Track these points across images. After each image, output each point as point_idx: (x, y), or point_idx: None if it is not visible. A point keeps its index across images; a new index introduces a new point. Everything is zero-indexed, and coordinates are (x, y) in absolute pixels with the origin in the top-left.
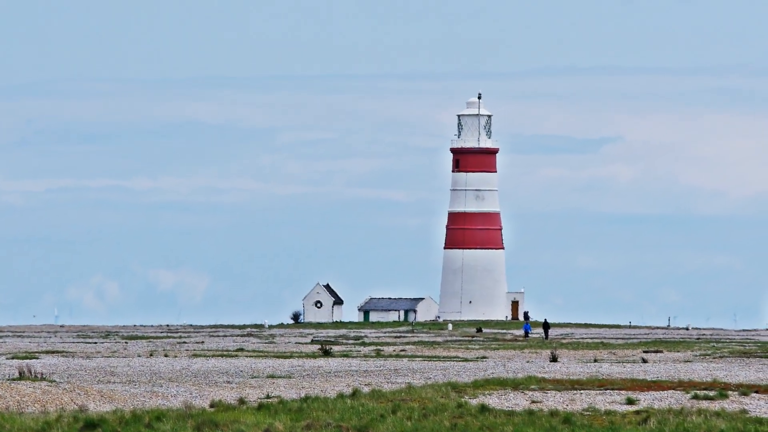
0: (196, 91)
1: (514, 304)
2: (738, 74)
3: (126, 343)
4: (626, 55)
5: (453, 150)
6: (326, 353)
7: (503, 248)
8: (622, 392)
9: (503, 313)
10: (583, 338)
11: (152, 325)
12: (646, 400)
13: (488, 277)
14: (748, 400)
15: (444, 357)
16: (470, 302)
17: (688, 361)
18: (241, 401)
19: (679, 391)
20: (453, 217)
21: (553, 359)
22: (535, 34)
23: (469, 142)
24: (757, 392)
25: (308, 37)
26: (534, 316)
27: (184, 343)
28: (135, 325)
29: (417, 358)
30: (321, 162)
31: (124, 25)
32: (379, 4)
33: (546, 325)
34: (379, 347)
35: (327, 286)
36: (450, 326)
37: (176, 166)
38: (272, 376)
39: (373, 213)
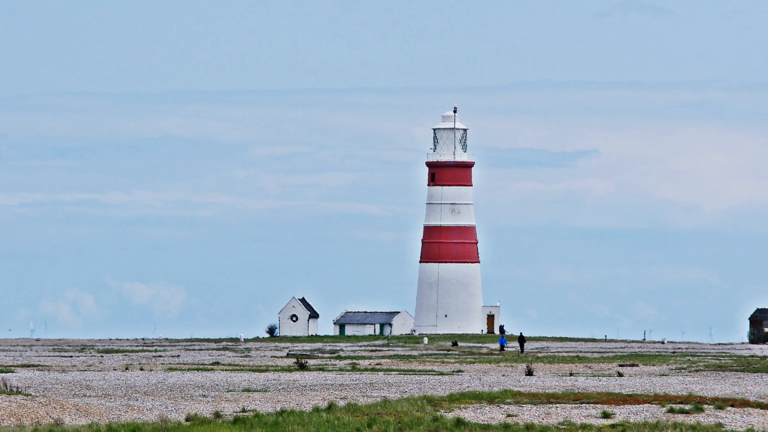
0: (170, 105)
1: (490, 318)
2: (712, 88)
3: (101, 356)
4: (601, 69)
5: (429, 164)
6: (302, 367)
7: (479, 262)
8: (598, 406)
9: (479, 327)
10: (558, 352)
11: (128, 339)
12: (621, 413)
13: (464, 291)
14: (723, 414)
15: (420, 371)
16: (446, 316)
17: (663, 375)
18: (217, 415)
19: (654, 405)
20: (429, 230)
21: (529, 373)
22: (510, 49)
23: (444, 155)
24: (732, 406)
25: (282, 51)
26: (510, 330)
27: (160, 356)
28: (110, 339)
29: (393, 372)
30: (295, 176)
31: (98, 39)
32: (354, 18)
33: (522, 339)
34: (354, 361)
35: (302, 300)
36: (426, 340)
37: (150, 180)
38: (248, 390)
39: (348, 227)
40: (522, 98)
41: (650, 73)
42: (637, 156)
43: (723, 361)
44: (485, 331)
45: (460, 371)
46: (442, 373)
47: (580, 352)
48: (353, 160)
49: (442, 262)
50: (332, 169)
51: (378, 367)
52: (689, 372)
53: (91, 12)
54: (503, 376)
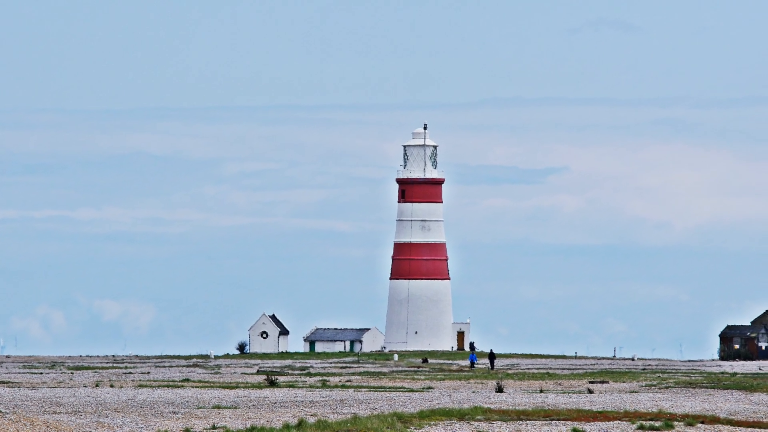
0: (140, 122)
1: (460, 335)
2: (683, 105)
3: (72, 373)
4: (572, 86)
5: (399, 180)
6: (272, 384)
7: (449, 278)
8: (568, 423)
9: (449, 344)
10: (528, 369)
11: (98, 356)
12: (592, 430)
13: (434, 308)
14: (693, 431)
15: (390, 387)
16: (416, 333)
17: (633, 392)
18: (187, 431)
19: (625, 422)
20: (399, 247)
21: (499, 390)
22: (481, 66)
23: (415, 172)
24: (702, 423)
25: (253, 68)
26: (480, 347)
27: (130, 373)
28: (81, 356)
29: (363, 389)
30: (266, 193)
31: (68, 55)
32: (325, 35)
33: (492, 356)
34: (324, 378)
35: (273, 317)
36: (396, 357)
37: (121, 197)
38: (218, 407)
39: (319, 244)
40: (492, 115)
41: (621, 89)
42: (608, 173)
43: (693, 377)
44: (455, 348)
45: (430, 388)
46: (412, 390)
47: (551, 368)
48: (324, 177)
49: (412, 279)
50: (303, 185)
51: (348, 383)
52: (659, 389)
53: (62, 28)
54: (473, 392)
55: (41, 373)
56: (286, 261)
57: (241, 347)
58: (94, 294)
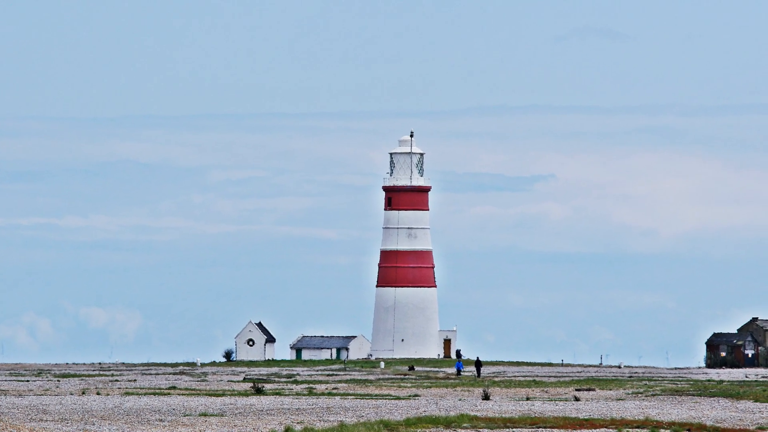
0: (126, 130)
1: (447, 343)
2: (669, 113)
3: (58, 381)
4: (558, 94)
5: (385, 188)
6: (258, 391)
7: (435, 286)
8: (555, 430)
9: (435, 352)
10: (515, 376)
11: (84, 363)
12: None
13: (420, 315)
14: None
15: (376, 395)
16: (402, 340)
17: (620, 399)
18: None
19: (611, 429)
20: (385, 255)
21: (486, 397)
22: (467, 73)
23: (401, 180)
24: (689, 430)
25: (240, 76)
26: (466, 354)
27: (117, 381)
28: (67, 363)
29: (349, 396)
30: (252, 200)
31: (54, 63)
32: (311, 43)
33: (478, 363)
34: (311, 385)
35: (259, 324)
36: (382, 364)
37: (107, 204)
38: (204, 414)
39: (305, 251)
40: (479, 122)
41: (607, 97)
42: (594, 180)
43: (680, 385)
44: (442, 356)
45: (416, 396)
46: (398, 398)
47: (537, 376)
48: (310, 185)
49: (399, 287)
50: (289, 193)
51: (335, 391)
52: (646, 396)
53: (48, 36)
54: (460, 400)
55: (28, 381)
56: (272, 268)
57: (228, 355)
58: (81, 302)
